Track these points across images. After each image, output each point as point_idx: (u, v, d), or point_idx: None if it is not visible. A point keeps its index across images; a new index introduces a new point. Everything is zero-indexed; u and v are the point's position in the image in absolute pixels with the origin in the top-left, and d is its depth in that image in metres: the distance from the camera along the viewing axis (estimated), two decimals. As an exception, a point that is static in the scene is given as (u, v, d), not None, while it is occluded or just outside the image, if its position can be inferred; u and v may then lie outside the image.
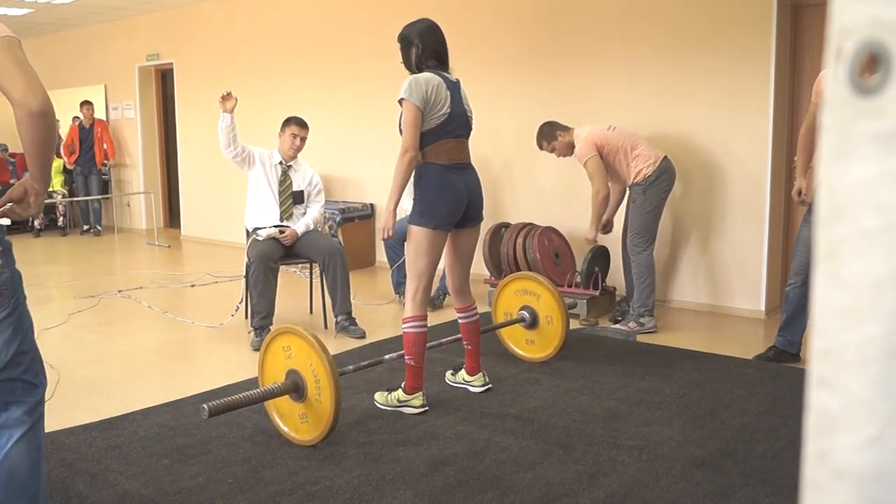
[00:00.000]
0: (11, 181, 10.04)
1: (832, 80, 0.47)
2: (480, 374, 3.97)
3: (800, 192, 4.40)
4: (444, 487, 2.89)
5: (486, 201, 3.88)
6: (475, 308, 3.94)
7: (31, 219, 9.00)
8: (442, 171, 3.56)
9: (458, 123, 3.63)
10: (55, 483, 2.96)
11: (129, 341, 5.20)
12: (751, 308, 5.67)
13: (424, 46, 3.65)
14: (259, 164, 5.31)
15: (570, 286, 5.55)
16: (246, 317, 5.35)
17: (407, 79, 3.55)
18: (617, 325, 5.24)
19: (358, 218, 7.73)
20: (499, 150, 6.79)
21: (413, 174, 3.65)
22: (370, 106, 7.68)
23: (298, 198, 5.38)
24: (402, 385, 3.69)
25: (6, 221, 2.24)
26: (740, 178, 5.61)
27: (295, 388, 3.27)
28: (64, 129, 10.93)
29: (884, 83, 0.45)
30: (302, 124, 5.37)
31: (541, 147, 5.52)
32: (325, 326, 5.37)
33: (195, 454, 3.21)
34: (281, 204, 5.31)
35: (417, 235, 3.58)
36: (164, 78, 10.90)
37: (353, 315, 5.22)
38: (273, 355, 3.43)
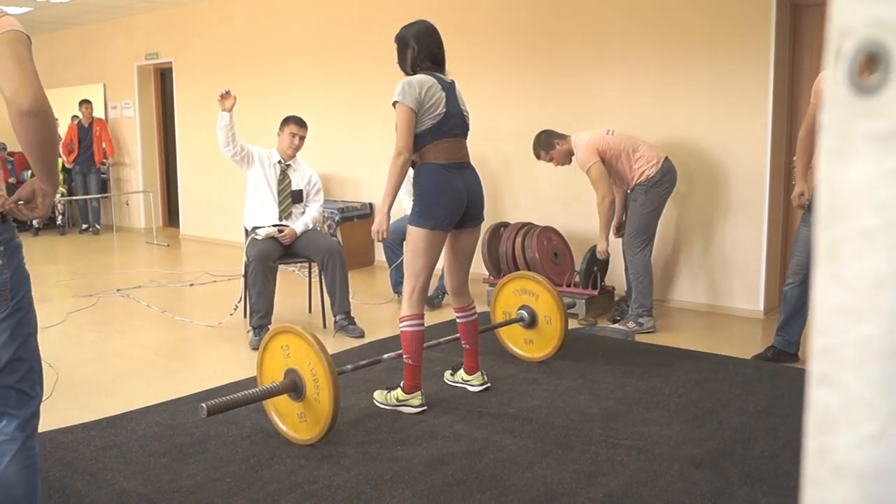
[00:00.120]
0: (10, 180, 10.03)
1: (832, 80, 0.47)
2: (479, 373, 3.97)
3: (801, 196, 4.40)
4: (442, 486, 2.89)
5: (485, 201, 3.87)
6: (473, 307, 3.94)
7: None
8: (440, 170, 3.56)
9: (454, 123, 3.63)
10: (54, 482, 2.96)
11: (127, 340, 5.20)
12: (749, 308, 5.68)
13: (420, 48, 3.66)
14: (258, 163, 5.31)
15: (568, 286, 5.55)
16: (245, 316, 5.35)
17: (400, 81, 3.56)
18: (616, 325, 5.24)
19: (357, 217, 7.72)
20: (498, 149, 6.79)
21: (412, 175, 3.65)
22: (369, 105, 7.68)
23: (297, 197, 5.38)
24: (401, 384, 3.69)
25: None
26: (739, 178, 5.62)
27: (293, 387, 3.27)
28: (63, 128, 10.92)
29: (883, 83, 0.45)
30: (301, 123, 5.37)
31: (538, 156, 5.45)
32: (324, 326, 5.37)
33: (194, 453, 3.21)
34: (280, 203, 5.31)
35: (416, 235, 3.58)
36: (163, 77, 10.90)
37: (352, 314, 5.22)
38: (272, 354, 3.42)
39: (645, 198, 5.10)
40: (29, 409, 2.16)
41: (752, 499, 2.77)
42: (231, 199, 8.86)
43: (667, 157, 5.15)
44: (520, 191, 6.72)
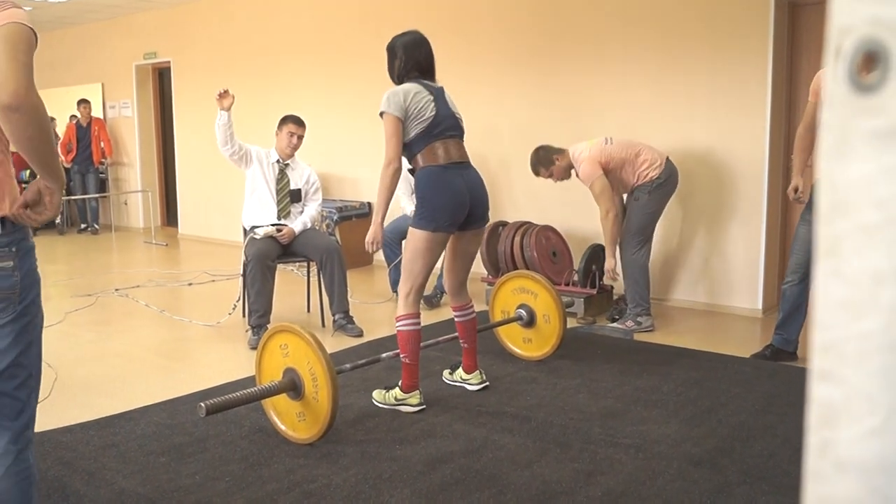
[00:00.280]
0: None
1: (832, 79, 0.47)
2: (477, 372, 3.97)
3: (795, 190, 4.41)
4: (441, 485, 2.89)
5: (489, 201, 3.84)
6: (471, 306, 3.94)
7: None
8: (439, 171, 3.55)
9: (446, 125, 3.62)
10: (52, 482, 2.96)
11: (126, 340, 5.20)
12: (748, 307, 5.68)
13: (407, 59, 3.68)
14: (256, 162, 5.31)
15: (567, 285, 5.55)
16: (243, 315, 5.35)
17: (385, 92, 3.58)
18: (614, 324, 5.25)
19: (355, 216, 7.72)
20: (496, 149, 6.79)
21: (414, 181, 3.65)
22: (368, 105, 7.65)
23: (296, 196, 5.38)
24: (399, 383, 3.69)
25: None
26: (738, 178, 5.62)
27: (292, 386, 3.27)
28: (61, 127, 10.93)
29: (882, 81, 0.45)
30: (299, 123, 5.37)
31: (537, 174, 5.35)
32: (323, 325, 5.37)
33: (192, 452, 3.21)
34: (278, 202, 5.31)
35: (416, 237, 3.57)
36: (162, 76, 10.89)
37: (351, 313, 5.22)
38: (270, 353, 3.43)
39: (648, 198, 5.08)
40: (22, 421, 2.07)
41: (750, 497, 2.78)
42: (229, 198, 8.86)
43: (668, 158, 5.14)
44: (518, 190, 6.72)
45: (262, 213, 5.30)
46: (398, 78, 3.71)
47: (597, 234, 5.47)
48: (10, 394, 2.05)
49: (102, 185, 10.96)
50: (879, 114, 0.46)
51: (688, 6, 5.71)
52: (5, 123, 1.86)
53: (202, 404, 3.05)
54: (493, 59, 6.81)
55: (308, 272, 5.88)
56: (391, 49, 3.75)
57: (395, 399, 3.68)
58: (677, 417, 3.55)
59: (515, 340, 4.54)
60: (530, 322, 4.43)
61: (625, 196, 5.29)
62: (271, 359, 3.42)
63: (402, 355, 3.67)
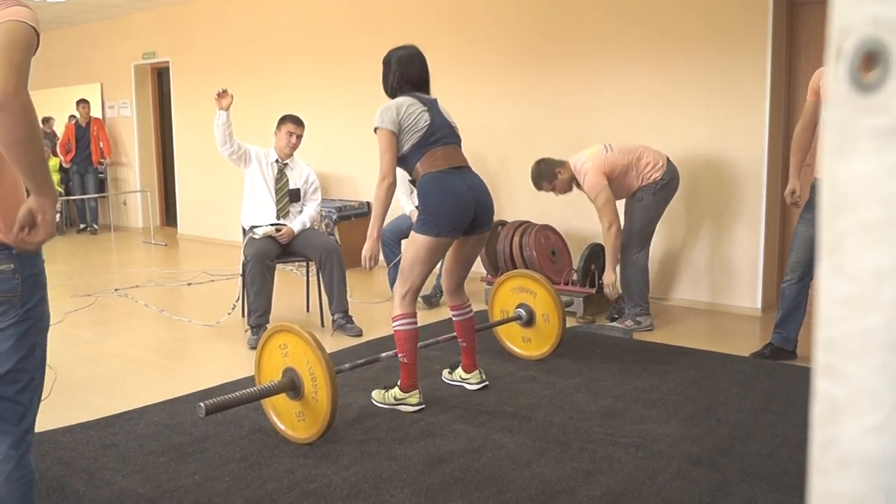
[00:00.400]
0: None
1: (833, 78, 0.48)
2: (477, 371, 3.97)
3: (792, 193, 4.42)
4: (440, 485, 2.89)
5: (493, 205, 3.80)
6: (469, 305, 3.94)
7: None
8: (440, 176, 3.54)
9: (442, 133, 3.63)
10: (52, 482, 2.96)
11: (125, 340, 5.20)
12: (747, 305, 5.69)
13: (401, 73, 3.71)
14: (255, 162, 5.31)
15: (566, 284, 5.56)
16: (243, 315, 5.35)
17: (378, 108, 3.60)
18: (614, 323, 5.25)
19: (354, 216, 7.73)
20: (496, 148, 6.79)
21: (416, 190, 3.65)
22: (367, 105, 7.64)
23: (295, 196, 5.38)
24: (399, 383, 3.69)
25: None
26: (737, 176, 5.63)
27: (292, 386, 3.27)
28: (60, 127, 10.93)
29: (882, 80, 0.46)
30: (298, 122, 5.37)
31: (539, 188, 5.27)
32: (322, 324, 5.37)
33: (192, 452, 3.21)
34: (277, 202, 5.31)
35: (418, 242, 3.56)
36: (161, 76, 10.89)
37: (350, 313, 5.22)
38: (270, 353, 3.43)
39: (652, 199, 5.06)
40: (23, 426, 2.04)
41: (749, 496, 2.78)
42: (228, 198, 8.86)
43: (668, 159, 5.13)
44: (517, 189, 6.72)
45: (261, 213, 5.30)
46: (391, 91, 3.74)
47: (596, 234, 5.46)
48: (12, 398, 2.02)
49: (101, 185, 10.96)
50: (880, 112, 0.46)
51: (687, 6, 5.71)
52: None
53: (201, 404, 3.05)
54: (492, 59, 6.81)
55: (307, 272, 5.89)
56: (386, 62, 3.78)
57: (395, 398, 3.68)
58: (676, 416, 3.55)
59: (515, 340, 4.54)
60: (529, 321, 4.43)
61: (624, 200, 5.27)
62: (271, 359, 3.42)
63: (400, 355, 3.67)
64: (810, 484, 0.48)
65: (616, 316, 5.40)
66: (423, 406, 3.67)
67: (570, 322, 5.12)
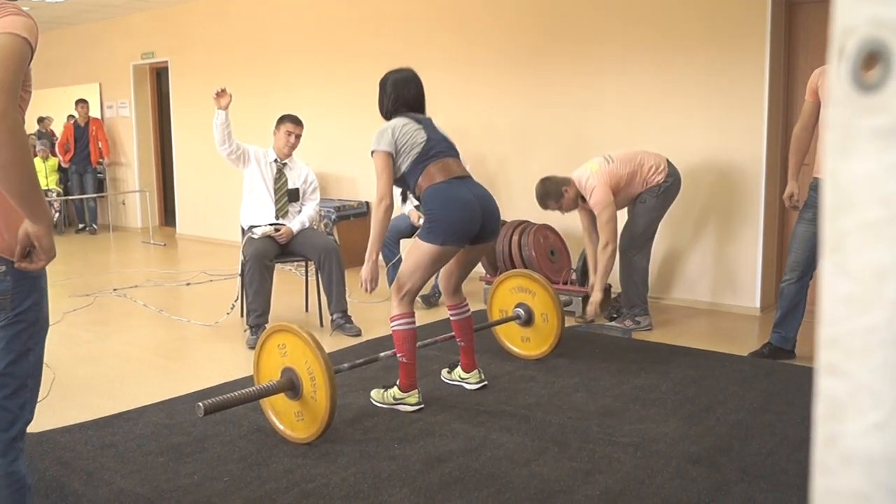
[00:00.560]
0: None
1: (835, 78, 0.48)
2: (476, 371, 3.97)
3: (791, 197, 4.42)
4: (439, 484, 2.89)
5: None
6: (466, 305, 3.94)
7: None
8: (444, 186, 3.54)
9: (440, 148, 3.63)
10: (51, 482, 2.96)
11: (124, 340, 5.20)
12: (746, 305, 5.69)
13: (396, 96, 3.73)
14: (254, 161, 5.31)
15: (565, 283, 5.56)
16: (241, 315, 5.35)
17: (375, 132, 3.62)
18: (612, 323, 5.25)
19: (353, 216, 7.73)
20: (495, 148, 6.79)
21: (421, 203, 3.64)
22: (366, 104, 7.63)
23: (294, 196, 5.38)
24: (398, 382, 3.69)
25: None
26: (736, 176, 5.63)
27: (290, 385, 3.27)
28: (59, 127, 10.92)
29: (884, 80, 0.46)
30: (296, 122, 5.37)
31: (545, 207, 5.16)
32: (321, 324, 5.37)
33: (191, 452, 3.21)
34: (276, 202, 5.31)
35: (422, 249, 3.55)
36: (159, 76, 10.89)
37: (349, 313, 5.22)
38: (268, 353, 3.43)
39: (655, 201, 5.04)
40: (11, 433, 1.97)
41: (748, 495, 2.78)
42: (227, 198, 8.86)
43: (668, 161, 5.11)
44: (516, 189, 6.72)
45: (260, 213, 5.30)
46: (387, 114, 3.76)
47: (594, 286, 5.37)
48: (0, 404, 1.95)
49: (100, 185, 10.96)
50: (880, 113, 0.46)
51: (687, 6, 5.71)
52: None
53: (200, 404, 3.05)
54: (492, 59, 6.81)
55: (306, 272, 5.88)
56: (382, 84, 3.80)
57: (394, 398, 3.68)
58: (675, 416, 3.55)
59: (514, 339, 4.54)
60: (528, 321, 4.43)
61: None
62: (269, 358, 3.42)
63: (398, 355, 3.67)
64: (813, 482, 0.48)
65: (615, 315, 5.40)
66: (422, 406, 3.67)
67: (569, 322, 5.12)
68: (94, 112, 10.92)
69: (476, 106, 6.79)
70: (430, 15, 7.17)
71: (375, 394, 3.77)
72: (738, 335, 5.15)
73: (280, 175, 5.36)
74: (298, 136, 5.37)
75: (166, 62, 10.13)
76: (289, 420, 3.35)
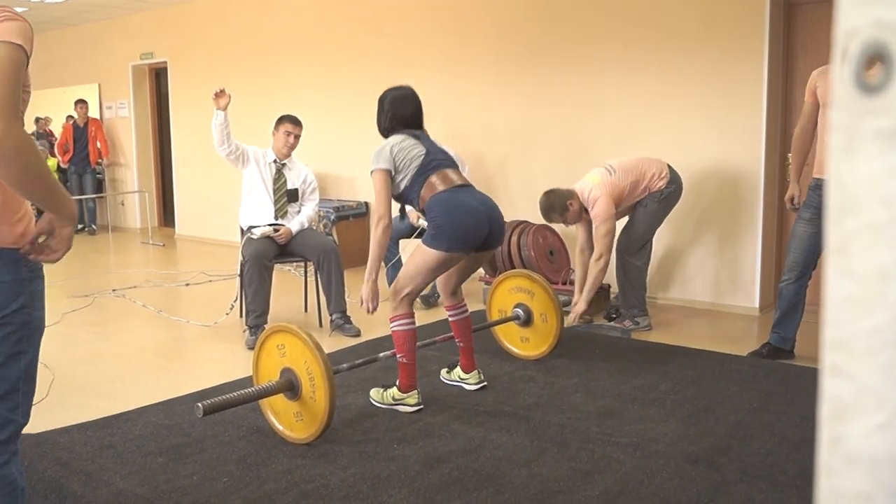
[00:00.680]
0: None
1: (839, 80, 0.48)
2: (475, 371, 3.97)
3: (792, 200, 4.42)
4: (439, 485, 2.89)
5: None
6: (465, 305, 3.94)
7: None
8: (447, 194, 3.54)
9: (440, 158, 3.65)
10: (50, 482, 2.95)
11: (123, 340, 5.20)
12: (745, 305, 5.69)
13: (394, 114, 3.75)
14: (253, 162, 5.31)
15: (564, 284, 5.56)
16: (241, 315, 5.35)
17: (373, 152, 3.64)
18: (612, 323, 5.25)
19: (353, 216, 7.73)
20: (495, 148, 6.79)
21: (425, 213, 3.63)
22: (365, 104, 7.65)
23: (293, 196, 5.38)
24: (397, 383, 3.69)
25: None
26: (735, 176, 5.63)
27: (289, 386, 3.27)
28: (58, 128, 10.91)
29: (886, 82, 0.46)
30: (296, 122, 5.37)
31: (550, 220, 5.12)
32: (320, 325, 5.37)
33: (190, 453, 3.21)
34: (275, 202, 5.31)
35: (426, 254, 3.54)
36: (158, 77, 10.88)
37: (348, 313, 5.22)
38: (267, 354, 3.42)
39: (656, 206, 5.03)
40: (3, 435, 1.93)
41: (747, 495, 2.78)
42: (226, 198, 8.86)
43: (670, 166, 5.10)
44: (515, 189, 6.72)
45: (259, 213, 5.30)
46: (384, 131, 3.78)
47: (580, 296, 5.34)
48: None
49: (99, 186, 10.95)
50: (883, 114, 0.46)
51: (687, 6, 5.71)
52: None
53: (199, 405, 3.05)
54: (492, 59, 6.81)
55: (305, 272, 5.88)
56: (381, 102, 3.82)
57: (393, 399, 3.68)
58: (675, 416, 3.55)
59: (513, 339, 4.54)
60: (528, 321, 4.43)
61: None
62: (268, 359, 3.41)
63: (398, 355, 3.67)
64: (818, 482, 0.48)
65: (614, 316, 5.40)
66: (422, 406, 3.67)
67: (568, 322, 5.12)
68: (94, 112, 10.92)
69: (476, 106, 6.79)
70: (430, 15, 7.17)
71: (375, 393, 3.77)
72: (738, 335, 5.15)
73: (279, 175, 5.35)
74: (297, 137, 5.37)
75: (165, 62, 10.13)
76: (288, 420, 3.35)
